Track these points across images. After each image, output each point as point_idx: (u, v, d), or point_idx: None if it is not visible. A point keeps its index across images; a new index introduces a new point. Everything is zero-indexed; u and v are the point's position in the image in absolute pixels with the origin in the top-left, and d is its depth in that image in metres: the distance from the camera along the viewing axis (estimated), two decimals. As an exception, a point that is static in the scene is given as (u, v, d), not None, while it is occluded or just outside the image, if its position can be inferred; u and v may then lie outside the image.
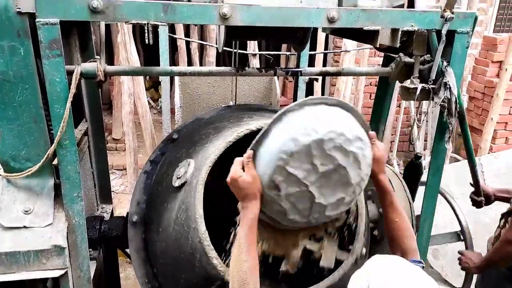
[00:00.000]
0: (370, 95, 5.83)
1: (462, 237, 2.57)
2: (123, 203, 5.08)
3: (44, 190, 1.56)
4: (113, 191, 3.96)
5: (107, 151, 2.35)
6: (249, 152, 1.36)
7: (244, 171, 1.34)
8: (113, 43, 5.98)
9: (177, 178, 1.68)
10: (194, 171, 1.64)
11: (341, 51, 4.82)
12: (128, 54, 3.98)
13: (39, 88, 1.44)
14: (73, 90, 1.42)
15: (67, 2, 1.30)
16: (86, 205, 1.90)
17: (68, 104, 1.39)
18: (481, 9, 5.81)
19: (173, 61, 5.78)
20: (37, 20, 1.29)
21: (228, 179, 1.34)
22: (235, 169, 1.34)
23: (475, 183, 2.27)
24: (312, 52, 4.12)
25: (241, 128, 1.65)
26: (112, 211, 2.38)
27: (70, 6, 1.30)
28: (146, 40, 1.45)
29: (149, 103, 6.63)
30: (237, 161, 1.37)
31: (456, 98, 1.65)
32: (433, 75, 1.67)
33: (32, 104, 1.45)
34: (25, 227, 1.52)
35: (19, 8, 1.30)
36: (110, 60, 5.55)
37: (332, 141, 1.31)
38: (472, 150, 2.00)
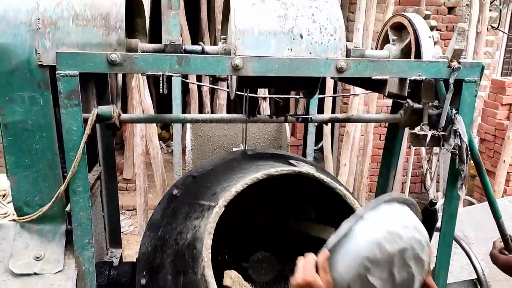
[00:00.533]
0: (380, 136, 5.85)
1: (478, 286, 2.48)
2: (132, 244, 5.04)
3: (56, 236, 1.57)
4: (122, 232, 3.96)
5: (118, 191, 2.37)
6: (325, 252, 1.19)
7: (318, 273, 1.15)
8: (127, 86, 6.16)
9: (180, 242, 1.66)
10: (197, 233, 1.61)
11: (350, 95, 4.89)
12: (142, 97, 4.09)
13: (56, 135, 1.48)
14: (87, 131, 1.45)
15: (87, 56, 1.36)
16: (96, 250, 1.90)
17: (82, 145, 1.42)
18: (488, 53, 5.90)
19: (185, 103, 5.90)
20: (57, 72, 1.35)
21: (298, 280, 1.15)
22: (308, 270, 1.15)
23: (504, 239, 2.02)
24: (322, 96, 4.19)
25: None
26: (121, 254, 2.37)
27: (90, 59, 1.36)
28: (161, 90, 1.50)
29: (160, 144, 6.71)
30: (310, 260, 1.18)
31: (466, 145, 1.66)
32: (442, 123, 1.69)
33: (49, 151, 1.49)
34: (35, 273, 1.51)
35: (41, 62, 1.37)
36: (124, 102, 5.69)
37: (413, 249, 1.22)
38: (495, 201, 1.91)
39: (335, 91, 5.60)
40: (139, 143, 4.32)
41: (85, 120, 1.49)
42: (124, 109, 5.41)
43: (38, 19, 1.36)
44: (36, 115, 1.43)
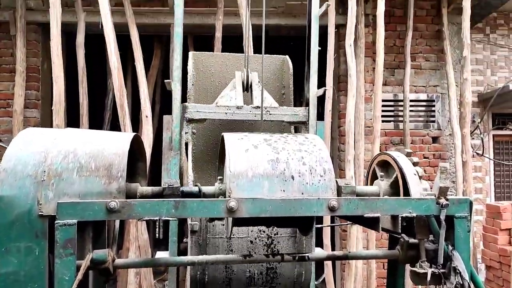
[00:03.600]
0: (383, 265, 5.65)
1: None
2: None
3: None
4: None
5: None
6: None
7: None
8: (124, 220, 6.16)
9: None
10: None
11: (348, 224, 4.87)
12: (139, 233, 4.06)
13: (47, 284, 1.45)
14: (79, 276, 1.41)
15: (87, 205, 1.41)
16: None
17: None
18: (478, 178, 6.08)
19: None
20: (56, 222, 1.38)
21: None
22: None
23: None
24: (319, 226, 4.17)
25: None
26: None
27: (89, 207, 1.41)
28: (157, 235, 1.52)
29: (154, 285, 6.40)
30: None
31: (469, 283, 1.61)
32: (440, 260, 1.67)
33: (37, 302, 1.43)
34: None
35: (42, 212, 1.41)
36: (121, 238, 5.61)
37: None
38: None
39: (332, 220, 5.60)
40: (132, 281, 4.14)
41: (78, 267, 1.47)
42: (120, 243, 5.31)
43: (44, 171, 1.45)
44: (30, 265, 1.42)
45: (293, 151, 1.83)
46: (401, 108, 5.74)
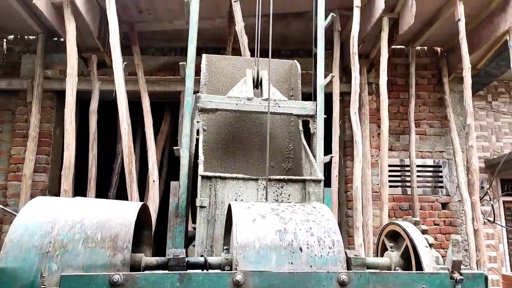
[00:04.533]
0: None
1: None
2: None
3: None
4: None
5: None
6: None
7: None
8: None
9: None
10: None
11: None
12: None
13: None
14: None
15: (90, 278, 1.38)
16: None
17: None
18: (491, 246, 5.89)
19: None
20: (58, 298, 1.34)
21: None
22: None
23: None
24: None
25: None
26: None
27: (92, 281, 1.38)
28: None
29: None
30: None
31: None
32: None
33: None
34: None
35: (44, 285, 1.38)
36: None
37: None
38: None
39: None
40: None
41: None
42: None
43: (50, 242, 1.44)
44: None
45: (301, 222, 1.81)
46: (408, 173, 5.73)
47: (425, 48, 6.18)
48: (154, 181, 4.81)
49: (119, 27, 4.51)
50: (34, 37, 5.63)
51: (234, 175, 2.59)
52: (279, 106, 3.08)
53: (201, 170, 2.61)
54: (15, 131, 5.47)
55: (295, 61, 3.68)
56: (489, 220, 5.82)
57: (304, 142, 3.18)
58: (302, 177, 2.69)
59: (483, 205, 5.76)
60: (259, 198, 2.57)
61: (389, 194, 5.28)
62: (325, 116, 3.49)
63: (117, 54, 4.41)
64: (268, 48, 2.86)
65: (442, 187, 5.85)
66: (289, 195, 2.61)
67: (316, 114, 3.12)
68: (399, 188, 5.80)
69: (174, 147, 3.16)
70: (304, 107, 3.17)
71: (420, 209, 5.65)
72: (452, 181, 5.83)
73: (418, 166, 5.75)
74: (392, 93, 5.90)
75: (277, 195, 2.61)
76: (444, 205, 5.82)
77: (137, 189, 4.53)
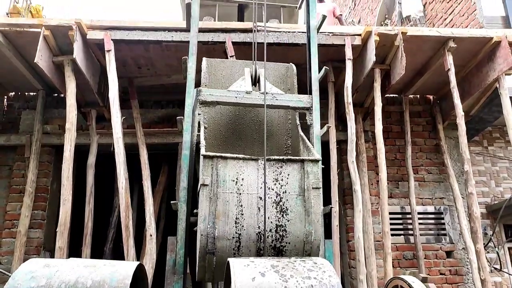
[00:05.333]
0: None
1: None
2: None
3: None
4: None
5: None
6: None
7: None
8: None
9: None
10: None
11: None
12: None
13: None
14: None
15: None
16: None
17: None
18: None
19: None
20: None
21: None
22: None
23: None
24: None
25: None
26: None
27: None
28: None
29: None
30: None
31: None
32: None
33: None
34: None
35: None
36: None
37: None
38: None
39: None
40: None
41: None
42: None
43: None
44: None
45: (302, 279, 1.75)
46: (409, 221, 5.64)
47: (418, 96, 6.31)
48: (151, 236, 4.71)
49: (118, 82, 4.62)
50: (34, 93, 5.75)
51: (235, 155, 2.73)
52: (277, 99, 3.26)
53: (203, 151, 2.74)
54: (11, 187, 5.42)
55: (291, 63, 3.90)
56: (495, 268, 5.66)
57: (302, 134, 3.37)
58: (300, 157, 2.84)
59: (488, 252, 5.63)
60: (259, 177, 2.68)
61: (392, 243, 5.16)
62: (323, 166, 3.49)
63: (116, 109, 4.48)
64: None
65: (445, 234, 5.74)
66: (288, 175, 2.73)
67: (312, 106, 3.33)
68: (402, 236, 5.69)
69: (172, 202, 3.13)
70: (301, 100, 3.35)
71: (425, 258, 5.51)
72: (454, 228, 5.74)
73: (419, 213, 5.67)
74: (388, 140, 5.95)
75: (277, 175, 2.72)
76: (449, 253, 5.68)
77: (133, 244, 4.43)
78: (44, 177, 5.45)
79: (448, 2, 7.06)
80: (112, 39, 4.61)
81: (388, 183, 5.10)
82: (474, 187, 4.80)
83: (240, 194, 2.64)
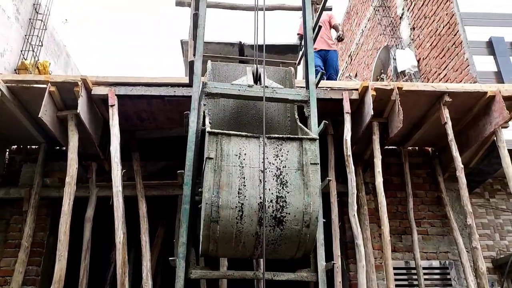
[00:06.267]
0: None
1: None
2: None
3: None
4: None
5: None
6: None
7: None
8: None
9: None
10: None
11: None
12: None
13: None
14: None
15: None
16: None
17: None
18: None
19: None
20: None
21: None
22: None
23: None
24: None
25: None
26: None
27: None
28: None
29: None
30: None
31: None
32: None
33: None
34: None
35: None
36: None
37: None
38: None
39: None
40: None
41: None
42: None
43: None
44: None
45: None
46: (415, 276, 5.48)
47: (417, 148, 6.36)
48: (148, 293, 4.56)
49: (120, 136, 4.68)
50: (36, 146, 5.80)
51: (238, 132, 2.95)
52: (276, 93, 3.56)
53: (208, 128, 2.95)
54: (7, 241, 5.31)
55: (290, 67, 4.36)
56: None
57: (300, 124, 3.62)
58: (299, 136, 3.10)
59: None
60: (260, 153, 2.89)
61: (397, 300, 4.99)
62: (324, 220, 3.45)
63: (116, 162, 4.50)
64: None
65: (451, 290, 5.56)
66: (287, 151, 2.94)
67: (309, 99, 3.59)
68: (407, 293, 5.51)
69: (170, 258, 3.06)
70: (299, 93, 3.64)
71: (433, 317, 5.29)
72: (461, 284, 5.55)
73: (424, 268, 5.52)
74: (389, 192, 5.90)
75: (277, 151, 2.94)
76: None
77: (129, 302, 4.27)
78: (40, 231, 5.36)
79: (441, 58, 7.32)
80: (116, 94, 4.72)
81: (391, 237, 5.00)
82: (479, 241, 4.70)
83: (242, 167, 2.81)
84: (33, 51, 7.36)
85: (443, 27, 7.23)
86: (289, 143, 2.98)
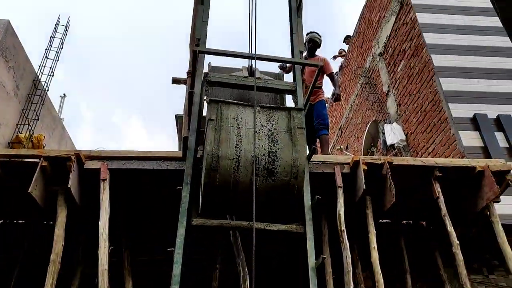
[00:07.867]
0: None
1: None
2: None
3: None
4: None
5: None
6: None
7: None
8: None
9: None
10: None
11: None
12: None
13: None
14: None
15: None
16: None
17: None
18: None
19: None
20: None
21: None
22: None
23: None
24: None
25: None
26: None
27: None
28: None
29: None
30: None
31: None
32: None
33: None
34: None
35: None
36: None
37: None
38: None
39: None
40: None
41: None
42: None
43: None
44: None
45: None
46: None
47: (411, 221, 6.29)
48: None
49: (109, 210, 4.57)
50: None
51: (235, 101, 3.56)
52: (268, 83, 4.27)
53: (208, 98, 3.56)
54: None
55: (281, 71, 5.31)
56: None
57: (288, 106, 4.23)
58: (287, 106, 3.96)
59: None
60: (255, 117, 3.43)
61: None
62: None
63: (104, 239, 4.37)
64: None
65: None
66: (278, 118, 3.48)
67: (296, 89, 4.26)
68: None
69: None
70: (287, 84, 4.39)
71: None
72: None
73: None
74: (385, 269, 5.69)
75: (269, 117, 3.47)
76: None
77: None
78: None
79: (428, 133, 7.53)
80: (108, 169, 4.71)
81: (390, 318, 4.76)
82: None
83: (239, 127, 3.30)
84: (28, 124, 7.46)
85: (428, 104, 7.53)
86: (279, 111, 3.51)
